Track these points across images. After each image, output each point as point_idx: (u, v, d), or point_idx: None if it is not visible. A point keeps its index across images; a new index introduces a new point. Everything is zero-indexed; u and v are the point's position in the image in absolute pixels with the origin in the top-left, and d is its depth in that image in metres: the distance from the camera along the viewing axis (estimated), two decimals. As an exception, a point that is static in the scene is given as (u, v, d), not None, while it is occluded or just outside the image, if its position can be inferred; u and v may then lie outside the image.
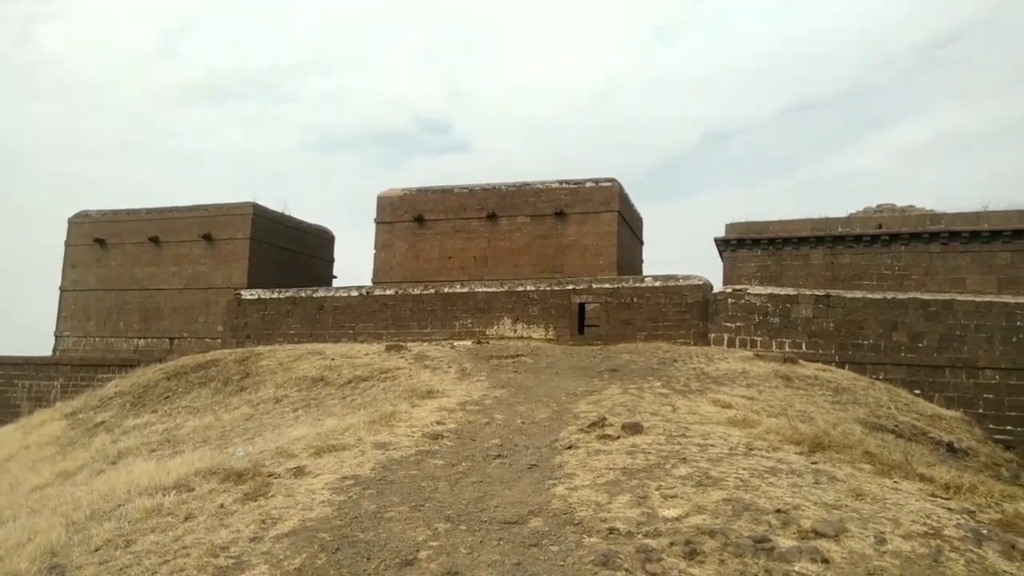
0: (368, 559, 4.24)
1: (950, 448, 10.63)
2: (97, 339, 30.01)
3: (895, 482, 5.72)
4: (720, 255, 25.48)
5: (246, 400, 13.96)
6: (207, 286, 28.82)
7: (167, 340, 28.90)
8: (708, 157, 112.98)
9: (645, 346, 16.66)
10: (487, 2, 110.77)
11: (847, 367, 16.85)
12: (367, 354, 16.05)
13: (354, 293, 23.67)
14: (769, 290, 19.40)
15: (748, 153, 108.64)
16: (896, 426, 10.72)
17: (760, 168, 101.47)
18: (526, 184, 26.74)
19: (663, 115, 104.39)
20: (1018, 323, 17.10)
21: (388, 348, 16.82)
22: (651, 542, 4.23)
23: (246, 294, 25.25)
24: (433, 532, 4.65)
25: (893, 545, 4.19)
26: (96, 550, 4.97)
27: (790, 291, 19.21)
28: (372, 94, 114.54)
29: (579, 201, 25.96)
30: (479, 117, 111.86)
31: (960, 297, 18.20)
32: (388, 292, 23.34)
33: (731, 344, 18.54)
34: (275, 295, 24.56)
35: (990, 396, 16.95)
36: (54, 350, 30.65)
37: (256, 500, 5.57)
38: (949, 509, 4.96)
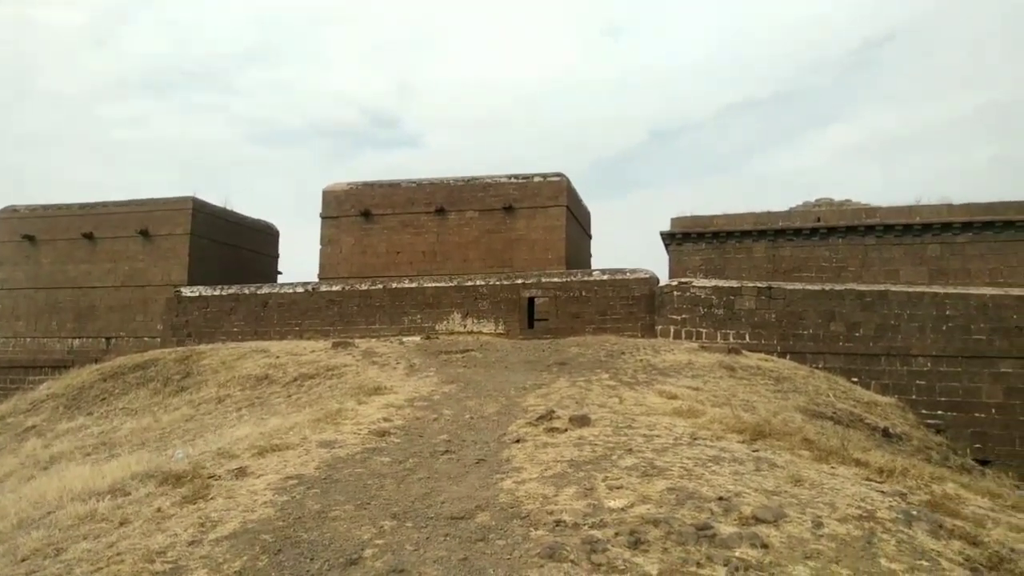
0: (311, 560, 4.16)
1: (885, 433, 11.02)
2: (28, 340, 28.81)
3: (832, 467, 5.90)
4: (666, 249, 25.88)
5: (187, 400, 13.59)
6: (145, 283, 27.93)
7: (103, 340, 27.90)
8: (654, 154, 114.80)
9: (594, 339, 16.81)
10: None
11: (788, 357, 17.36)
12: (313, 351, 15.78)
13: (299, 289, 23.26)
14: (713, 283, 19.82)
15: (693, 150, 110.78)
16: (834, 413, 11.06)
17: (704, 165, 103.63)
18: (475, 179, 26.65)
19: (611, 113, 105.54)
20: (947, 312, 17.82)
21: (335, 345, 16.57)
22: (597, 533, 4.27)
23: (186, 291, 24.58)
24: (379, 530, 4.58)
25: (829, 528, 4.32)
26: (23, 560, 4.73)
27: (733, 283, 19.66)
28: (320, 87, 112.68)
29: (528, 196, 26.00)
30: (428, 112, 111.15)
31: (894, 288, 18.90)
32: (335, 288, 23.01)
33: (677, 336, 18.90)
34: (217, 292, 23.97)
35: (922, 383, 17.64)
36: (-19, 352, 29.30)
37: (195, 503, 5.41)
38: (882, 492, 5.15)
